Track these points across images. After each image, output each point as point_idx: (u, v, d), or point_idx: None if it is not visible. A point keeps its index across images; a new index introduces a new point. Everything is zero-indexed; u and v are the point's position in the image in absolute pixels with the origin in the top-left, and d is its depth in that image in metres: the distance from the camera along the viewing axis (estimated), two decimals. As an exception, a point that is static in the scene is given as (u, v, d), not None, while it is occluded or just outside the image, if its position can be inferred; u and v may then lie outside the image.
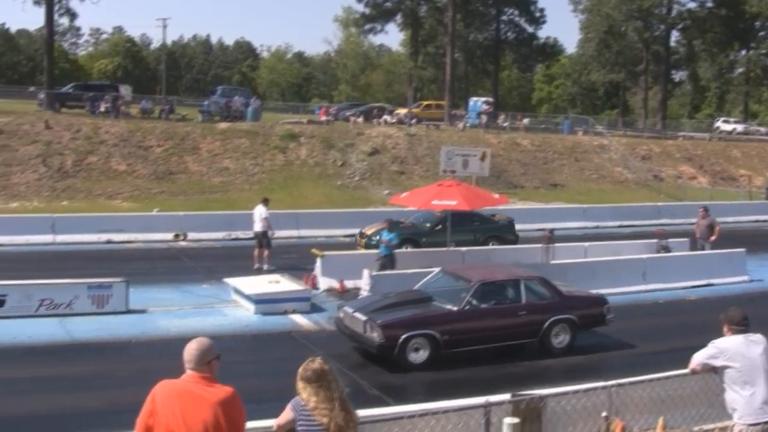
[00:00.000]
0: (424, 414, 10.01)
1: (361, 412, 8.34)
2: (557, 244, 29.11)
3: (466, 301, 18.68)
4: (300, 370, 7.65)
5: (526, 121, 76.66)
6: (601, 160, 61.70)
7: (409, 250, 28.82)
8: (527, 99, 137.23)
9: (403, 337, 17.82)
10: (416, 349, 17.98)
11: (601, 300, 20.79)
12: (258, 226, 28.36)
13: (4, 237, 31.47)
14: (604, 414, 12.15)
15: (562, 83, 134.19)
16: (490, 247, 30.00)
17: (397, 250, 26.51)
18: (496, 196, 29.90)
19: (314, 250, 26.59)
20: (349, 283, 25.15)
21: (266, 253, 28.12)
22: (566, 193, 53.59)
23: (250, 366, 17.47)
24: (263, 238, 28.29)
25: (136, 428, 7.00)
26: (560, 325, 19.50)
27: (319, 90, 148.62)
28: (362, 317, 18.47)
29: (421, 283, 20.75)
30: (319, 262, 25.88)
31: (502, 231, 32.54)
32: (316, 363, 7.66)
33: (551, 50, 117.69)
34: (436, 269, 21.20)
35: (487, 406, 10.38)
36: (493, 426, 10.23)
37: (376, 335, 17.89)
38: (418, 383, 17.58)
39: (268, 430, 8.08)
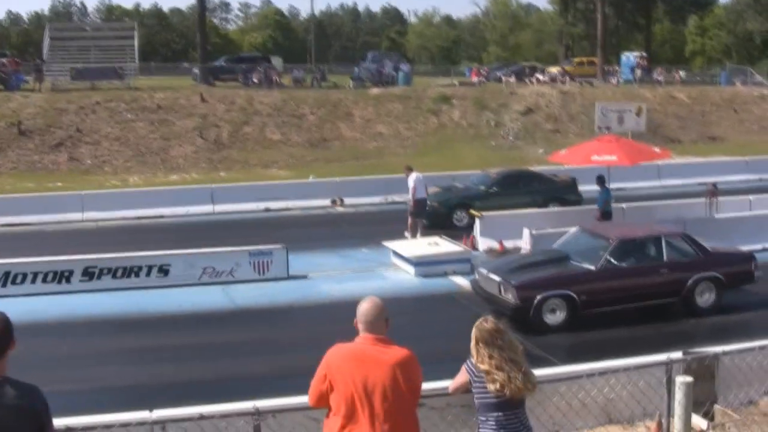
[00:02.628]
0: (603, 372, 9.56)
1: (537, 372, 7.85)
2: (721, 198, 27.94)
3: (605, 260, 17.96)
4: (473, 330, 7.23)
5: (682, 73, 74.16)
6: (762, 111, 59.15)
7: (561, 209, 27.97)
8: (680, 52, 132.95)
9: (539, 297, 17.25)
10: (553, 310, 17.38)
11: (749, 256, 19.67)
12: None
13: (166, 208, 32.08)
14: None
15: (716, 34, 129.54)
16: (654, 203, 28.59)
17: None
18: (657, 150, 28.80)
19: (473, 211, 26.13)
20: (509, 243, 24.62)
21: (420, 223, 26.82)
22: (726, 147, 51.51)
23: (415, 328, 17.01)
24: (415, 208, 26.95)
25: (309, 394, 6.77)
26: (705, 283, 18.55)
27: (467, 53, 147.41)
28: (497, 278, 17.97)
29: (558, 242, 20.12)
30: (477, 222, 25.44)
31: (564, 192, 30.22)
32: (489, 323, 7.21)
33: (705, 0, 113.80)
34: (574, 228, 20.46)
35: (668, 363, 9.92)
36: (663, 385, 9.80)
37: (510, 296, 17.40)
38: (557, 346, 16.65)
39: (443, 392, 7.76)
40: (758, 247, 22.86)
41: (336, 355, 6.59)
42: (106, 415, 9.55)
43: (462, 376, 7.27)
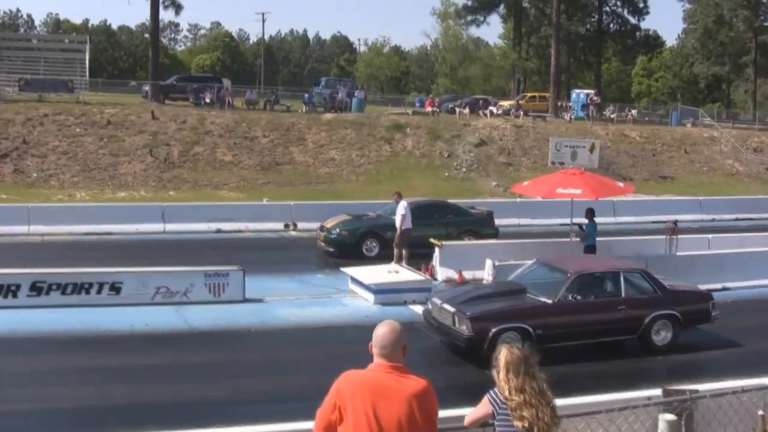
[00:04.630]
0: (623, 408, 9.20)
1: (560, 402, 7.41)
2: (680, 236, 27.93)
3: (563, 294, 17.65)
4: (502, 357, 6.76)
5: (634, 112, 74.79)
6: (711, 153, 59.88)
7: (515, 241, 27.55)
8: (626, 92, 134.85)
9: (494, 330, 16.75)
10: (507, 343, 16.90)
11: (706, 296, 19.48)
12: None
13: (115, 225, 31.32)
14: (760, 413, 11.45)
15: (662, 76, 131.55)
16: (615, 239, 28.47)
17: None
18: (621, 184, 28.72)
19: (433, 239, 25.71)
20: (468, 274, 24.27)
21: (405, 254, 25.95)
22: (676, 186, 52.06)
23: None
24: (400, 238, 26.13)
25: (315, 424, 6.26)
26: (662, 321, 18.31)
27: (415, 84, 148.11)
28: (451, 308, 17.49)
29: (515, 273, 19.84)
30: (437, 251, 25.05)
31: (480, 225, 29.58)
32: (520, 349, 6.80)
33: (654, 42, 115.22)
34: (532, 260, 20.16)
35: (667, 403, 9.71)
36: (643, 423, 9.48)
37: (465, 328, 16.91)
38: None
39: (458, 424, 7.27)
40: (717, 286, 22.93)
41: (348, 383, 6.11)
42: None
43: (484, 408, 6.76)
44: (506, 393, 6.59)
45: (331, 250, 28.01)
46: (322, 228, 28.79)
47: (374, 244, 27.92)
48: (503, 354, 6.75)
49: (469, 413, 6.94)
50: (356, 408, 5.92)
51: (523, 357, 6.71)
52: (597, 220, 25.31)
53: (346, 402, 5.98)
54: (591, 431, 9.36)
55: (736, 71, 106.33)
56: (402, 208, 26.10)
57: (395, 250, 25.94)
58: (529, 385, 6.58)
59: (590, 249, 24.32)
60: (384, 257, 26.30)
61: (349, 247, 27.67)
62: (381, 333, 6.20)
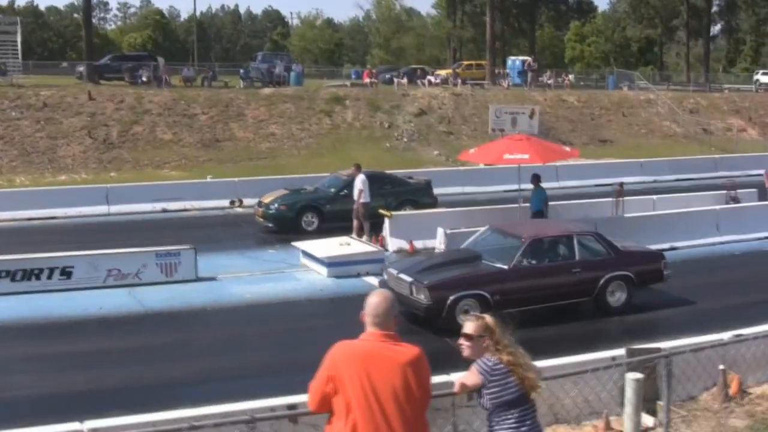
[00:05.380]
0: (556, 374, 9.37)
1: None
2: (626, 198, 28.29)
3: (518, 259, 17.81)
4: (490, 323, 6.81)
5: (571, 77, 75.26)
6: (649, 115, 60.55)
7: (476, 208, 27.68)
8: (560, 58, 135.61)
9: (452, 298, 16.89)
10: (466, 311, 16.66)
11: (658, 255, 19.89)
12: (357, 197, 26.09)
13: (58, 209, 30.92)
14: (721, 367, 11.73)
15: (594, 41, 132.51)
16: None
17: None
18: (567, 149, 28.95)
19: (382, 210, 25.71)
20: (418, 244, 24.37)
21: (366, 226, 25.91)
22: (616, 149, 52.63)
23: (334, 330, 16.55)
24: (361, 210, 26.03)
25: (309, 398, 6.23)
26: (616, 282, 18.57)
27: (349, 56, 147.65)
28: (408, 278, 17.59)
29: (468, 241, 19.93)
30: (387, 222, 25.07)
31: (418, 195, 29.66)
32: (492, 316, 6.89)
33: (587, 7, 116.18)
34: (485, 227, 20.26)
35: (628, 363, 9.91)
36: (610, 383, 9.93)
37: (423, 297, 17.01)
38: None
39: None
40: (665, 246, 23.26)
41: (341, 354, 6.09)
42: (33, 429, 8.91)
43: (473, 377, 6.75)
44: (505, 356, 6.67)
45: (270, 225, 27.80)
46: (260, 203, 28.55)
47: (313, 218, 27.76)
48: (488, 322, 6.79)
49: (458, 381, 6.94)
50: (351, 378, 5.90)
51: (501, 322, 6.82)
52: (543, 184, 25.50)
53: (341, 373, 5.96)
54: (564, 391, 9.53)
55: (668, 34, 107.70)
56: (360, 182, 25.90)
57: (354, 222, 25.80)
58: (514, 345, 6.71)
59: (538, 215, 24.48)
60: (323, 231, 26.16)
61: (289, 222, 27.47)
62: (374, 302, 6.22)
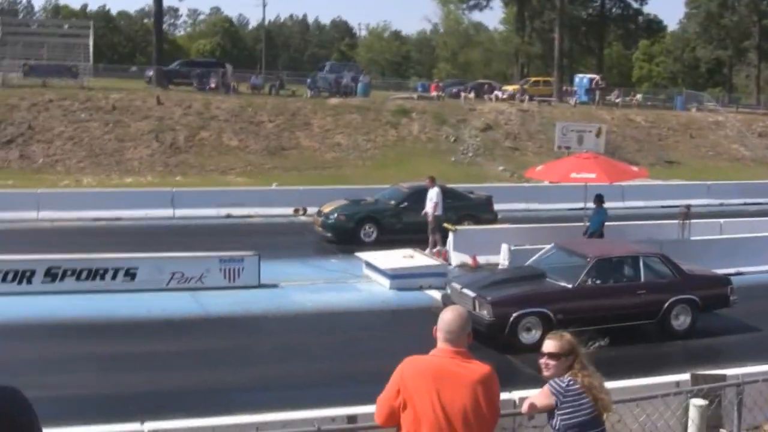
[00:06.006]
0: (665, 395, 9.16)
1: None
2: (692, 221, 27.83)
3: (582, 278, 17.60)
4: (572, 344, 6.70)
5: (639, 96, 74.49)
6: (717, 137, 59.75)
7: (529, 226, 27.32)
8: (627, 77, 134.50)
9: (515, 315, 16.77)
10: (528, 329, 16.91)
11: (725, 280, 19.47)
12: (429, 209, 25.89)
13: (124, 211, 31.09)
14: None
15: (663, 61, 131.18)
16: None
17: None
18: (636, 168, 28.54)
19: (447, 224, 25.58)
20: (482, 259, 24.21)
21: (437, 239, 25.62)
22: (682, 171, 51.81)
23: (394, 342, 16.50)
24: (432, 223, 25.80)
25: (377, 411, 6.15)
26: (681, 305, 18.27)
27: (416, 68, 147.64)
28: (471, 293, 17.47)
29: (533, 258, 19.74)
30: (451, 236, 24.95)
31: (479, 210, 29.40)
32: (569, 335, 6.79)
33: (656, 26, 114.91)
34: (550, 245, 20.08)
35: (690, 390, 9.70)
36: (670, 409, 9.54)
37: (485, 312, 16.86)
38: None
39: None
40: (731, 270, 22.73)
41: (411, 369, 5.98)
42: (94, 427, 8.92)
43: (545, 398, 6.61)
44: (582, 376, 6.55)
45: (329, 235, 27.71)
46: (319, 213, 28.49)
47: (372, 230, 27.64)
48: (570, 342, 6.66)
49: (528, 402, 6.79)
50: (420, 394, 5.81)
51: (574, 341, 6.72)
52: (608, 204, 25.19)
53: (409, 388, 5.87)
54: (634, 417, 9.31)
55: (738, 55, 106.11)
56: (435, 194, 25.75)
57: (429, 237, 25.64)
58: (591, 366, 6.63)
59: (594, 236, 24.15)
60: (382, 243, 25.98)
61: (347, 233, 27.42)
62: (448, 318, 6.07)
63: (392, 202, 28.51)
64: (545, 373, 6.74)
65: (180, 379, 14.75)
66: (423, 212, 25.85)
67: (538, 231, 25.72)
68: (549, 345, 6.76)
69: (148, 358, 15.90)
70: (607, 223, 25.05)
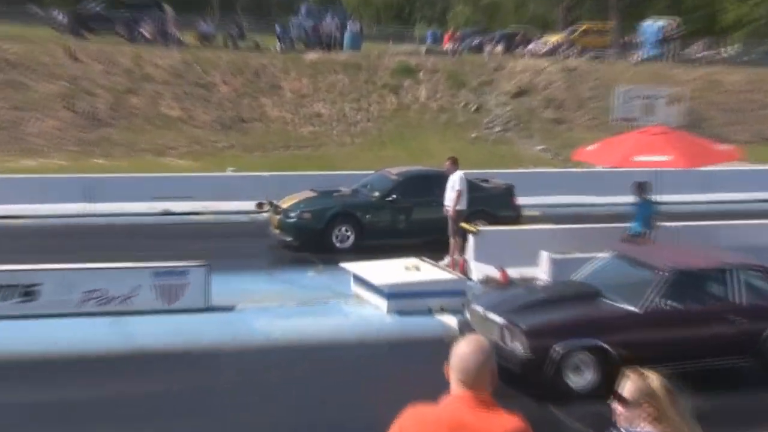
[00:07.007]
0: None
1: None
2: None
3: (652, 299, 17.25)
4: (658, 388, 6.67)
5: (731, 49, 74.29)
6: (841, 105, 59.79)
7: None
8: (714, 22, 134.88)
9: (558, 348, 16.38)
10: (577, 368, 16.54)
11: None
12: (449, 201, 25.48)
13: (23, 206, 31.21)
14: None
15: (763, 0, 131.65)
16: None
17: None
18: (723, 147, 28.30)
19: (465, 225, 25.34)
20: (513, 272, 23.97)
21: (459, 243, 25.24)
22: (790, 151, 51.89)
23: (398, 385, 16.26)
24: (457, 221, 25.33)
25: None
26: None
27: (424, 13, 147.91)
28: (499, 319, 17.12)
29: (582, 271, 19.44)
30: (471, 240, 24.77)
31: (494, 204, 28.73)
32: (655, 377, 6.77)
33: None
34: (606, 252, 19.83)
35: None
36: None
37: (519, 345, 16.48)
38: (590, 417, 15.39)
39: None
40: None
41: (413, 423, 5.92)
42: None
43: None
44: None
45: (289, 239, 27.50)
46: (276, 209, 28.23)
47: (348, 232, 27.35)
48: (658, 386, 6.68)
49: None
50: None
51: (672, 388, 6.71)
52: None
53: None
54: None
55: None
56: (458, 180, 25.31)
57: (451, 240, 25.33)
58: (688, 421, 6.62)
59: (636, 237, 24.10)
60: (362, 250, 25.71)
61: (314, 236, 27.13)
62: (462, 353, 5.94)
63: (376, 194, 28.20)
64: (617, 421, 6.75)
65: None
66: (444, 208, 25.46)
67: (589, 233, 25.59)
68: (623, 385, 6.74)
69: (51, 410, 15.68)
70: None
